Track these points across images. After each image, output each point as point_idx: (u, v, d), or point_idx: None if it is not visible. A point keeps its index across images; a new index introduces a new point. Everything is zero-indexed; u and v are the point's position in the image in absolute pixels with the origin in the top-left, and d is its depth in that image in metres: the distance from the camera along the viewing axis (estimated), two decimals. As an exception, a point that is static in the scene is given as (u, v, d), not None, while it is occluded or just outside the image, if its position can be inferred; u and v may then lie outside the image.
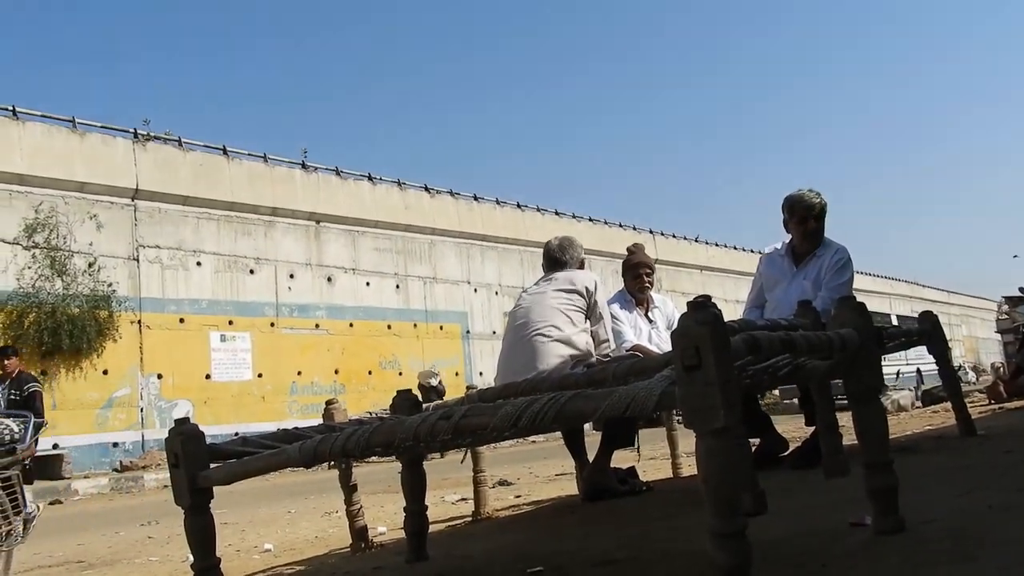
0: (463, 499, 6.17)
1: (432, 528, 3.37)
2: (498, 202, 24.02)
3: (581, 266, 4.49)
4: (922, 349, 5.46)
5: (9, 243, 14.00)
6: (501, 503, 5.52)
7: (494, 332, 21.51)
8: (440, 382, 16.60)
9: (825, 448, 3.63)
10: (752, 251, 33.41)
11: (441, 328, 21.09)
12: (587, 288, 4.18)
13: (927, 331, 5.07)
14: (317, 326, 18.38)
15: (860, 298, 2.48)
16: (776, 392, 16.52)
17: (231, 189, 17.41)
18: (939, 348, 5.11)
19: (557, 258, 4.45)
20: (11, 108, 14.61)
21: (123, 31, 59.84)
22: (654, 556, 2.50)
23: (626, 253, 5.41)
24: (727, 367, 1.60)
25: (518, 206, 24.60)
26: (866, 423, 2.18)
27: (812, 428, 4.46)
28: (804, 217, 4.66)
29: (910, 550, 2.03)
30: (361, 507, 4.14)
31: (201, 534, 2.45)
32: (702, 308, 1.65)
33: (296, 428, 2.65)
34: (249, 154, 18.25)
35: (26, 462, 3.83)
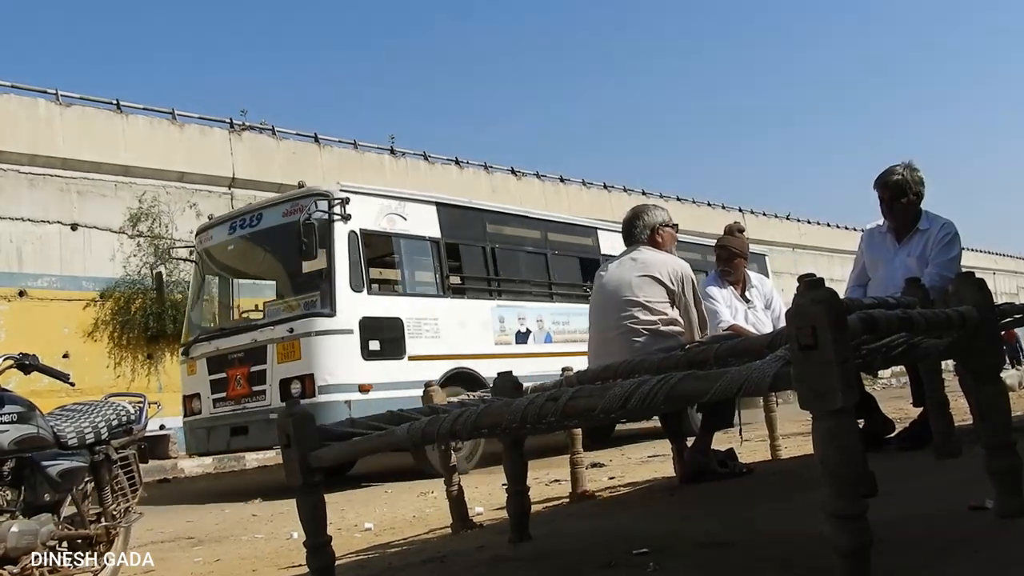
0: (556, 480, 6.19)
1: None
2: (584, 183, 23.85)
3: (654, 232, 4.36)
4: None
5: (115, 232, 14.54)
6: (596, 484, 5.52)
7: (582, 314, 21.39)
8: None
9: (936, 429, 3.52)
10: (848, 228, 32.43)
11: (530, 310, 21.09)
12: (671, 279, 4.09)
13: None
14: (409, 308, 18.59)
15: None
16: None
17: (323, 176, 17.67)
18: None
19: (628, 231, 4.40)
20: (115, 102, 15.14)
21: (216, 20, 61.57)
22: (762, 538, 2.47)
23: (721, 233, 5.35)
24: (845, 346, 1.56)
25: (604, 187, 24.37)
26: (988, 402, 2.10)
27: (919, 409, 4.33)
28: (891, 196, 4.48)
29: (1036, 535, 1.96)
30: (461, 487, 4.19)
31: (313, 513, 2.50)
32: (817, 286, 1.60)
33: (401, 410, 2.68)
34: (339, 141, 18.54)
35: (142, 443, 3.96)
